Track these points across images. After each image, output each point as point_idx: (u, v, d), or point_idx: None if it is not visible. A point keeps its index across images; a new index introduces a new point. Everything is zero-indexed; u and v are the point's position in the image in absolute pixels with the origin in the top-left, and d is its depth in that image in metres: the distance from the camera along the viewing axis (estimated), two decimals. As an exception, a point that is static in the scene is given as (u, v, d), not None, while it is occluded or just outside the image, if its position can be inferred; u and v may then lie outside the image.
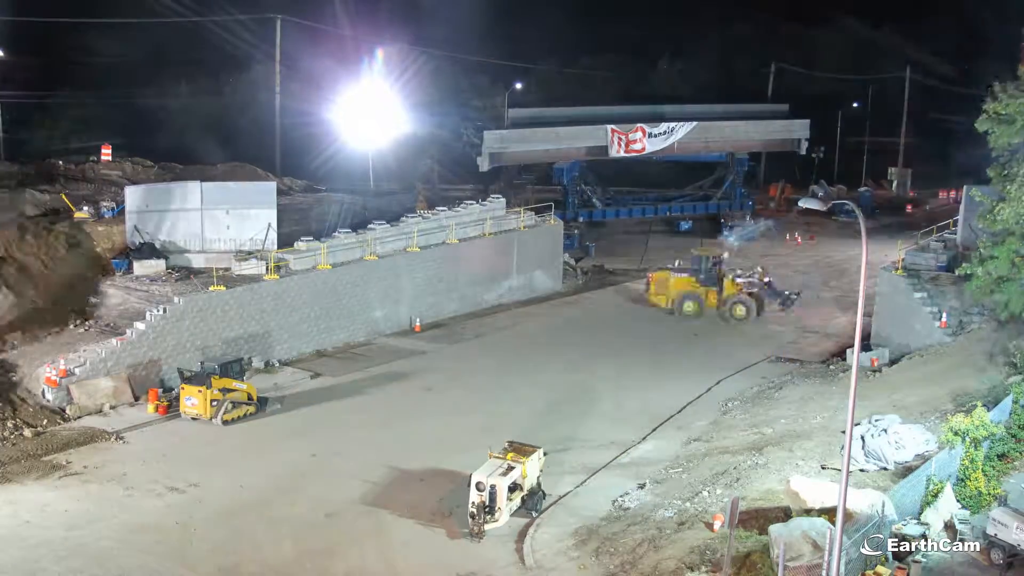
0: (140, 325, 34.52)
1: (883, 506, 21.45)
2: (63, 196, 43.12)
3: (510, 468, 25.24)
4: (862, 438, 26.23)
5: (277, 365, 38.08)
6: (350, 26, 68.75)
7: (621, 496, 26.99)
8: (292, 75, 70.65)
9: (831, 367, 39.04)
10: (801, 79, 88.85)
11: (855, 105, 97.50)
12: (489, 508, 24.54)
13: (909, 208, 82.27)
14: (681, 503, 25.38)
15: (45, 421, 31.10)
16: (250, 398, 32.87)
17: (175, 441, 30.75)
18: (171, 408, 32.76)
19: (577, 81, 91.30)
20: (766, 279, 48.17)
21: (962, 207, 40.85)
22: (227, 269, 39.14)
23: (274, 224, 42.05)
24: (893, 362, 37.47)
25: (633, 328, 46.45)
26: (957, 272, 34.60)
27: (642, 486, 27.62)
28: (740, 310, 47.31)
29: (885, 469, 25.68)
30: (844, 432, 19.71)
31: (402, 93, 64.31)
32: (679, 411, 34.76)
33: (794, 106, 75.09)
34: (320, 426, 32.51)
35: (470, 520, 24.61)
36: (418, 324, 44.69)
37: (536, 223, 53.43)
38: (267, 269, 39.20)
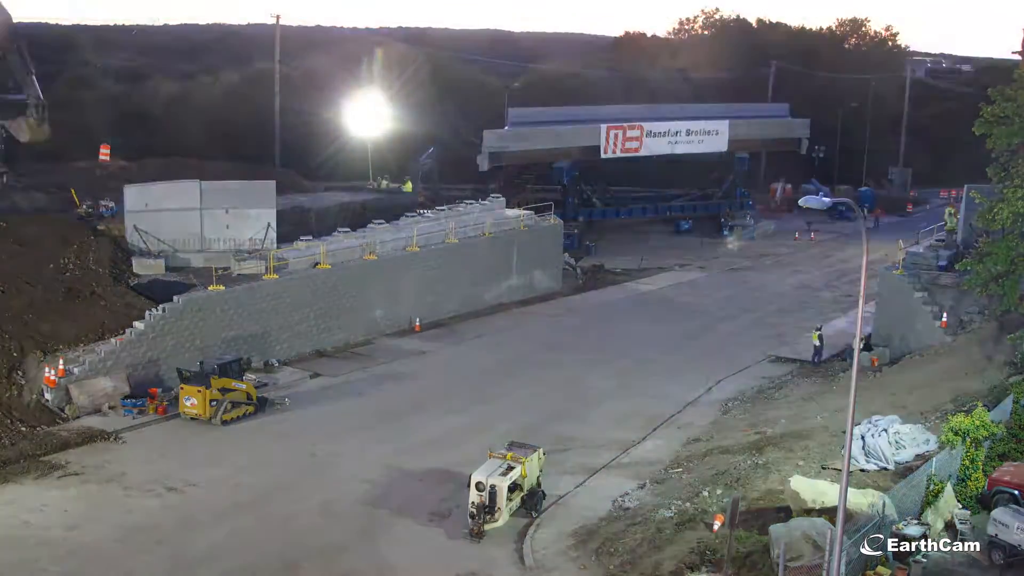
0: (139, 325, 34.49)
1: (883, 506, 21.42)
2: (72, 192, 43.13)
3: (510, 468, 25.20)
4: (862, 438, 26.19)
5: (276, 365, 38.02)
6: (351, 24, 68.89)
7: (621, 496, 26.96)
8: (293, 74, 70.67)
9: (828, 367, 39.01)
10: (802, 78, 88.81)
11: (853, 105, 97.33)
12: (489, 508, 24.52)
13: (909, 208, 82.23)
14: (681, 503, 25.34)
15: (44, 421, 31.01)
16: (249, 398, 32.82)
17: (174, 441, 30.72)
18: (169, 408, 32.71)
19: (576, 80, 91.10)
20: None
21: (963, 206, 40.80)
22: (226, 269, 39.09)
23: (273, 224, 42.00)
24: (893, 362, 37.44)
25: (633, 328, 46.41)
26: (957, 267, 34.58)
27: (642, 486, 27.59)
28: None
29: (885, 469, 25.64)
30: (844, 432, 19.68)
31: (402, 92, 64.43)
32: (679, 411, 34.73)
33: (795, 106, 75.12)
34: (320, 426, 32.46)
35: (470, 520, 24.60)
36: (418, 324, 44.63)
37: (536, 223, 53.37)
38: (266, 269, 39.13)
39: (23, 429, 30.19)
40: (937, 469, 23.82)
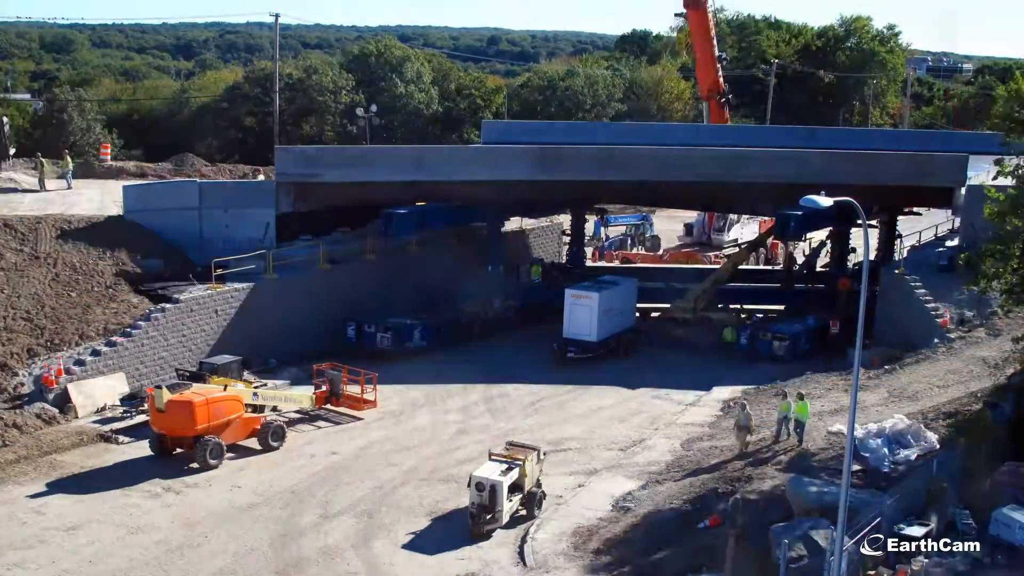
0: (139, 324, 34.39)
1: (884, 506, 21.36)
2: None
3: (510, 468, 25.18)
4: (863, 437, 26.11)
5: (276, 364, 37.89)
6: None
7: (621, 496, 26.92)
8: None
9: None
10: (802, 77, 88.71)
11: (855, 103, 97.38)
12: (489, 508, 24.48)
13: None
14: (681, 503, 25.32)
15: (43, 422, 30.93)
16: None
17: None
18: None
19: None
20: None
21: (964, 205, 40.66)
22: (226, 268, 38.95)
23: (273, 223, 41.83)
24: (895, 361, 37.29)
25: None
26: (959, 259, 34.27)
27: (642, 486, 27.54)
28: None
29: (886, 469, 25.57)
30: (844, 432, 19.65)
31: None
32: (679, 411, 34.65)
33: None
34: (318, 426, 32.40)
35: (470, 520, 24.58)
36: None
37: (536, 223, 53.21)
38: (266, 268, 39.02)
39: (22, 429, 30.09)
40: (938, 468, 23.76)
